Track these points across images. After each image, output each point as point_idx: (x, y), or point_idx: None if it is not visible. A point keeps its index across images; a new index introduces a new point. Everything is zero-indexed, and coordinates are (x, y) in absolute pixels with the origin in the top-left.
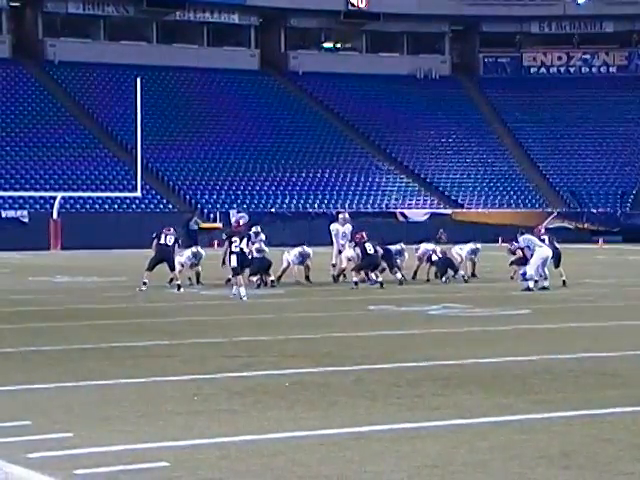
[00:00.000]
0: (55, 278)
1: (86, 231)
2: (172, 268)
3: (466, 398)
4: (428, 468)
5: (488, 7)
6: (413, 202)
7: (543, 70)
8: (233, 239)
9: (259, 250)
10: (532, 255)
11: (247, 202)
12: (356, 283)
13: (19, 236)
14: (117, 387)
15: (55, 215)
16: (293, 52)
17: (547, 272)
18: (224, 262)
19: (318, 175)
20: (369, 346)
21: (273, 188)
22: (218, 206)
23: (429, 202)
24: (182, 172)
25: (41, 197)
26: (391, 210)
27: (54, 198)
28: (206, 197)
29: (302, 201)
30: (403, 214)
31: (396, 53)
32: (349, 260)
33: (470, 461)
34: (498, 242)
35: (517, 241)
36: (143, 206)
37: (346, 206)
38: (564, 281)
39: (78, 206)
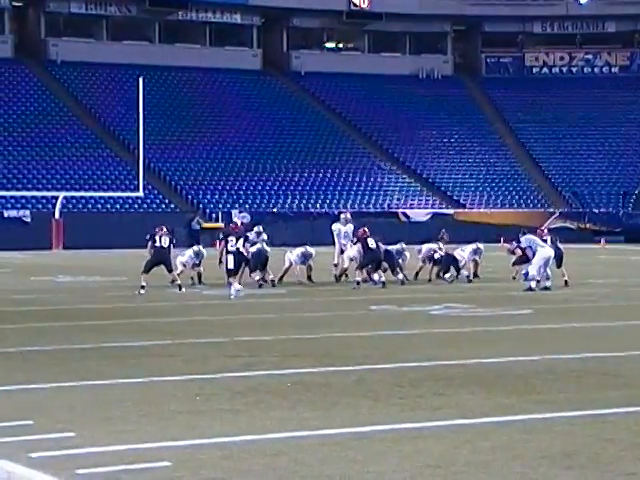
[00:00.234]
0: (57, 278)
1: (88, 231)
2: (170, 270)
3: (468, 398)
4: (430, 468)
5: (490, 7)
6: (415, 202)
7: (545, 70)
8: (229, 238)
9: (258, 248)
10: (534, 255)
11: (249, 202)
12: (358, 283)
13: (21, 236)
14: (119, 387)
15: (57, 215)
16: (295, 52)
17: (549, 272)
18: (221, 261)
19: (320, 175)
20: (371, 346)
21: (275, 188)
22: (220, 206)
23: (431, 202)
24: (184, 172)
25: (43, 197)
26: (393, 210)
27: (56, 198)
28: (208, 197)
29: (304, 201)
30: (405, 214)
31: (398, 53)
32: (351, 260)
33: (472, 461)
34: (500, 242)
35: (518, 241)
36: (145, 206)
37: (348, 206)
38: (566, 281)
39: (80, 206)
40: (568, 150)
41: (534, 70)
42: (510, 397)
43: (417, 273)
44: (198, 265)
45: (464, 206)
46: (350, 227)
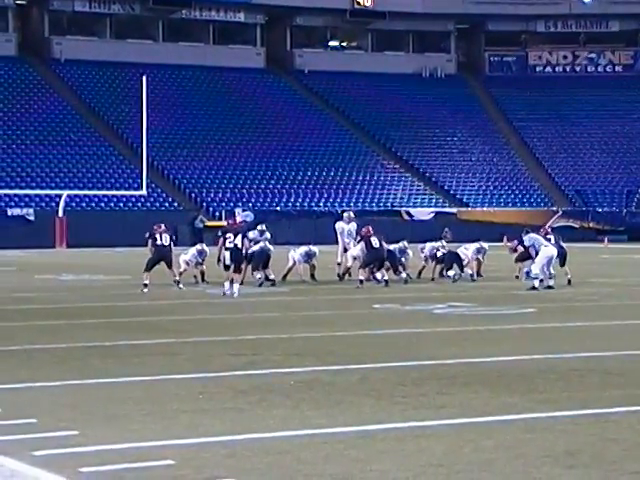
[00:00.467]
0: (60, 276)
1: (91, 229)
2: (170, 266)
3: (471, 397)
4: (433, 467)
5: (494, 5)
6: (418, 201)
7: (549, 69)
8: (227, 235)
9: (261, 246)
10: (537, 254)
11: (252, 200)
12: (361, 281)
13: (25, 234)
14: (122, 385)
15: (61, 213)
16: (299, 50)
17: (552, 271)
18: (219, 259)
19: (323, 173)
20: (374, 345)
21: (278, 186)
22: (223, 204)
23: (434, 201)
24: (188, 170)
25: (47, 195)
26: (396, 209)
27: (60, 196)
28: (211, 195)
29: (307, 199)
30: (408, 213)
31: (401, 52)
32: (355, 259)
33: (475, 460)
34: (503, 241)
35: (521, 240)
36: (149, 204)
37: (351, 205)
38: (569, 280)
39: (84, 204)
40: (571, 149)
41: (537, 69)
42: (513, 396)
43: (420, 272)
44: (201, 263)
45: (467, 205)
46: (353, 225)
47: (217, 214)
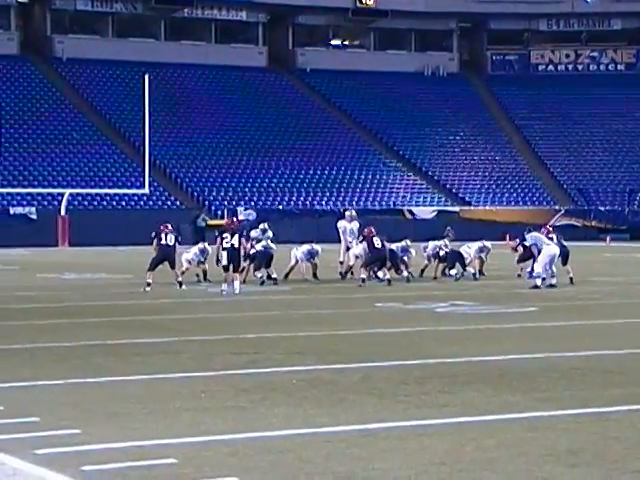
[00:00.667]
0: (63, 275)
1: (94, 228)
2: (173, 267)
3: (473, 396)
4: (435, 465)
5: (496, 4)
6: (420, 200)
7: (551, 67)
8: (224, 235)
9: (263, 246)
10: (539, 253)
11: (254, 199)
12: (363, 280)
13: (27, 233)
14: (124, 384)
15: (63, 212)
16: (301, 49)
17: (555, 270)
18: (218, 260)
19: (325, 172)
20: (376, 343)
21: (280, 185)
22: (226, 203)
23: (437, 199)
24: (190, 169)
25: (49, 194)
26: (398, 208)
27: (62, 195)
28: (214, 194)
29: (309, 198)
30: (411, 212)
31: (404, 50)
32: (357, 257)
33: (477, 458)
34: (505, 240)
35: (523, 239)
36: (151, 203)
37: (354, 203)
38: (571, 279)
39: (86, 203)
40: (574, 147)
41: (540, 67)
42: (515, 395)
43: (422, 270)
44: (203, 262)
45: (469, 204)
46: (355, 224)
47: (219, 213)
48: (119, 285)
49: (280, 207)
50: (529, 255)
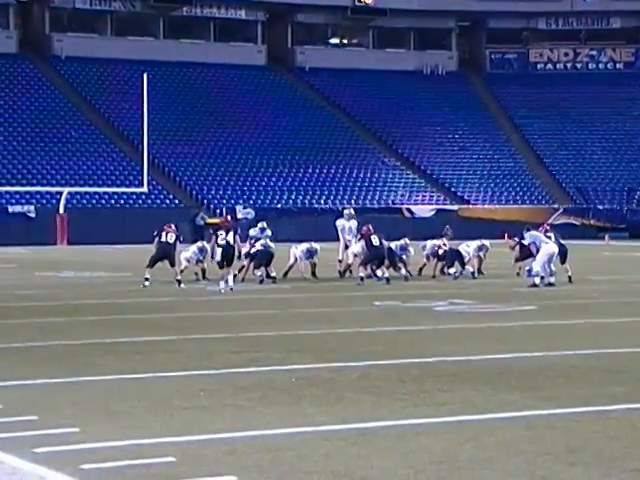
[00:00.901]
0: (61, 273)
1: (92, 226)
2: (172, 264)
3: (472, 394)
4: (434, 464)
5: (495, 3)
6: (419, 198)
7: (550, 66)
8: (219, 232)
9: (264, 245)
10: (538, 252)
11: (253, 198)
12: (362, 279)
13: (25, 231)
14: (123, 382)
15: (61, 210)
16: (300, 48)
17: (553, 268)
18: (212, 256)
19: (324, 171)
20: (375, 342)
21: (279, 184)
22: (224, 202)
23: (435, 198)
24: (188, 168)
25: (47, 192)
26: (397, 206)
27: (60, 193)
28: (212, 193)
29: (308, 197)
30: (409, 210)
31: (403, 49)
32: (355, 256)
33: (476, 457)
34: (504, 238)
35: (522, 237)
36: (149, 201)
37: (352, 202)
38: (570, 277)
39: (84, 201)
40: (572, 146)
41: (538, 66)
42: (514, 393)
43: (421, 269)
44: (202, 261)
45: (468, 202)
46: (354, 222)
47: (218, 211)
48: (118, 283)
49: (279, 206)
50: (528, 254)
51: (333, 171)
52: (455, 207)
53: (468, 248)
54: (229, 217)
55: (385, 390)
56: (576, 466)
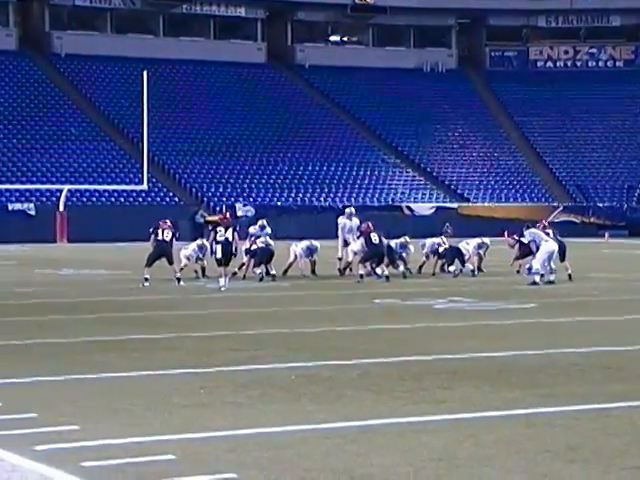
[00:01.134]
0: (61, 271)
1: (92, 224)
2: (170, 262)
3: (471, 392)
4: (434, 461)
5: (495, 0)
6: (419, 196)
7: (550, 64)
8: (218, 229)
9: (263, 242)
10: (538, 249)
11: (253, 195)
12: (362, 276)
13: (25, 229)
14: (123, 380)
15: (61, 208)
16: (300, 45)
17: (553, 266)
18: (212, 252)
19: (324, 168)
20: (375, 340)
21: (279, 181)
22: (224, 199)
23: (435, 196)
24: (188, 165)
25: (47, 190)
26: (397, 204)
27: (60, 191)
28: (212, 190)
29: (308, 195)
30: (409, 208)
31: (402, 47)
32: (355, 254)
33: (476, 455)
34: (504, 236)
35: (521, 235)
36: (149, 199)
37: (352, 200)
38: (570, 275)
39: (84, 199)
40: (572, 144)
41: (538, 64)
42: (513, 391)
43: (420, 267)
44: (202, 259)
45: (468, 200)
46: (355, 221)
47: (218, 209)
48: (117, 281)
49: (279, 203)
50: (527, 252)
51: (333, 169)
52: (455, 205)
53: (468, 246)
54: (228, 215)
55: (385, 388)
56: (576, 463)
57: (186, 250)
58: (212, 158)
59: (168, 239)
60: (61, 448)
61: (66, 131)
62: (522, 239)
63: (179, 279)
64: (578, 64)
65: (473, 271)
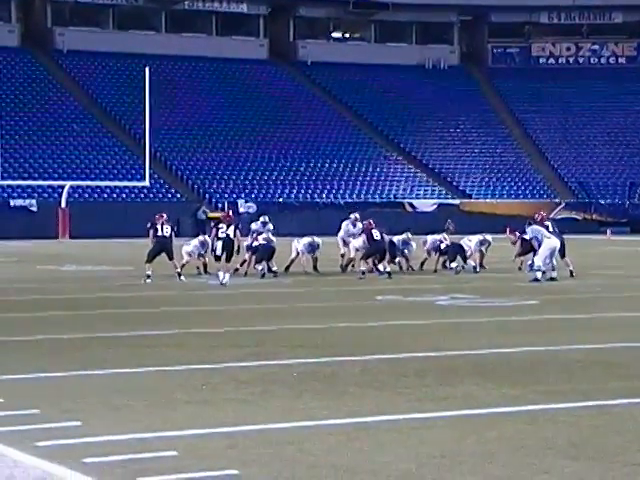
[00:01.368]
0: (63, 267)
1: (94, 220)
2: (170, 258)
3: (474, 388)
4: (436, 458)
5: None
6: (421, 192)
7: (552, 60)
8: (220, 225)
9: (265, 239)
10: (540, 246)
11: (255, 192)
12: (363, 273)
13: (27, 225)
14: (125, 376)
15: (63, 204)
16: (302, 42)
17: (555, 263)
18: (212, 249)
19: (326, 165)
20: (377, 336)
21: (281, 178)
22: (226, 196)
23: (437, 192)
24: (190, 161)
25: (49, 186)
26: (399, 200)
27: (62, 187)
28: (214, 187)
29: (310, 191)
30: (411, 204)
31: (405, 43)
32: (357, 250)
33: (478, 451)
34: (506, 232)
35: (523, 232)
36: (151, 195)
37: (354, 196)
38: (571, 272)
39: (86, 195)
40: (574, 141)
41: (540, 60)
42: (515, 387)
43: (422, 263)
44: (203, 255)
45: (470, 196)
46: (359, 227)
47: (220, 205)
48: (119, 277)
49: (280, 200)
50: (529, 248)
51: (335, 165)
52: (457, 201)
53: (470, 242)
54: (231, 212)
55: (387, 384)
56: (578, 460)
57: (188, 246)
58: (214, 154)
59: (167, 234)
60: (63, 444)
61: (68, 127)
62: (524, 236)
63: (180, 274)
64: (580, 61)
65: (475, 268)
